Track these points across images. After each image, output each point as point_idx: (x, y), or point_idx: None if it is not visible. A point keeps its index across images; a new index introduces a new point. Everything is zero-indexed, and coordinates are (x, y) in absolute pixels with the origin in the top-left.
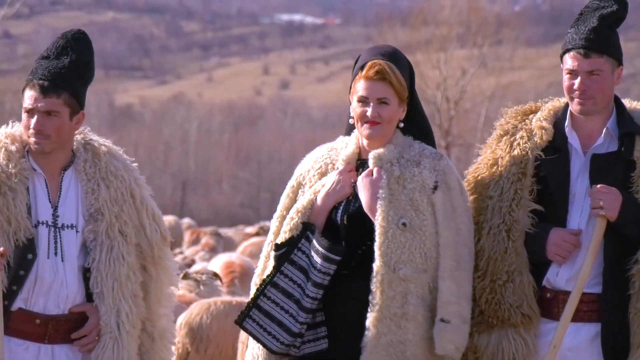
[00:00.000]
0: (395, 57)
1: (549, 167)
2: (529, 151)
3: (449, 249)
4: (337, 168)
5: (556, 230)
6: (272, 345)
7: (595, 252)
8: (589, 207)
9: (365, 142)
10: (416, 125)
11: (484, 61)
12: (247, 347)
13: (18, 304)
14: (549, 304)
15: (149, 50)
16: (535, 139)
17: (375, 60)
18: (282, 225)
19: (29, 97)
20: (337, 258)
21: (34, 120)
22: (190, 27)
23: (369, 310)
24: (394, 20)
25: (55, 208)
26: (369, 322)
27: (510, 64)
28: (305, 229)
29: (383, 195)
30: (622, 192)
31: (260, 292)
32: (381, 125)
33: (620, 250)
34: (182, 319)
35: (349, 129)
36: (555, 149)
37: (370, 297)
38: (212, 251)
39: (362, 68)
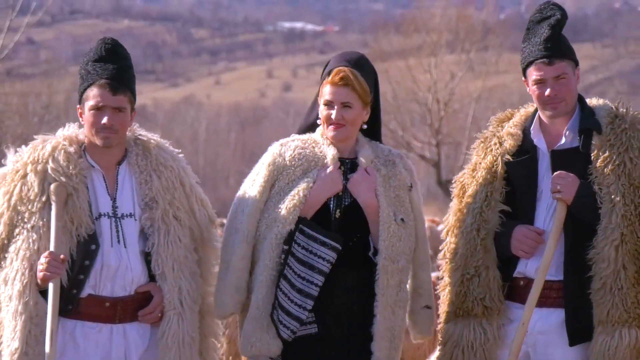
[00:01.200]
0: (360, 64)
1: (516, 169)
2: (499, 156)
3: (425, 242)
4: (324, 166)
5: (519, 228)
6: (285, 334)
7: (557, 236)
8: (555, 203)
9: (333, 141)
10: (372, 125)
11: (472, 65)
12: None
13: (87, 290)
14: (523, 292)
15: (162, 56)
16: (505, 145)
17: (340, 67)
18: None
19: (98, 95)
20: (339, 246)
21: (105, 116)
22: (199, 34)
23: (375, 299)
24: (388, 28)
25: (114, 200)
26: (377, 310)
27: (496, 68)
28: (299, 223)
29: (381, 192)
30: (580, 181)
31: (277, 287)
32: (345, 127)
33: (578, 238)
34: None
35: (306, 129)
36: (524, 152)
37: (375, 287)
38: None
39: (329, 74)
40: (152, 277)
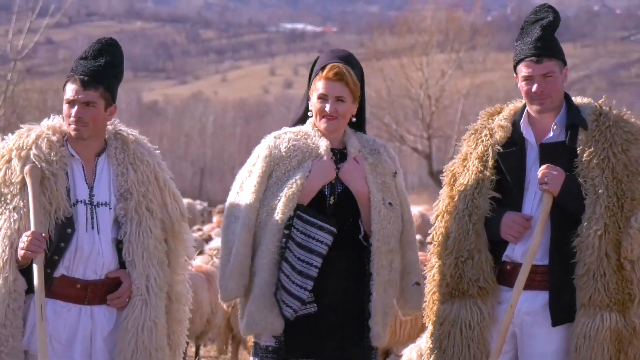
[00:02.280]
0: (350, 61)
1: (506, 159)
2: (490, 147)
3: (411, 223)
4: (318, 156)
5: (509, 214)
6: (287, 313)
7: (543, 224)
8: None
9: (323, 133)
10: (359, 120)
11: (460, 64)
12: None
13: (60, 271)
14: (509, 275)
15: (172, 55)
16: (496, 136)
17: (334, 64)
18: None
19: (70, 90)
20: (334, 229)
21: (74, 109)
22: (207, 34)
23: (371, 278)
24: (382, 29)
25: (91, 188)
26: (373, 288)
27: (483, 66)
28: (297, 209)
29: (370, 179)
30: (566, 173)
31: (279, 269)
32: (337, 119)
33: (563, 227)
34: None
35: (297, 122)
36: (513, 143)
37: (371, 266)
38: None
39: (322, 69)
40: (122, 264)
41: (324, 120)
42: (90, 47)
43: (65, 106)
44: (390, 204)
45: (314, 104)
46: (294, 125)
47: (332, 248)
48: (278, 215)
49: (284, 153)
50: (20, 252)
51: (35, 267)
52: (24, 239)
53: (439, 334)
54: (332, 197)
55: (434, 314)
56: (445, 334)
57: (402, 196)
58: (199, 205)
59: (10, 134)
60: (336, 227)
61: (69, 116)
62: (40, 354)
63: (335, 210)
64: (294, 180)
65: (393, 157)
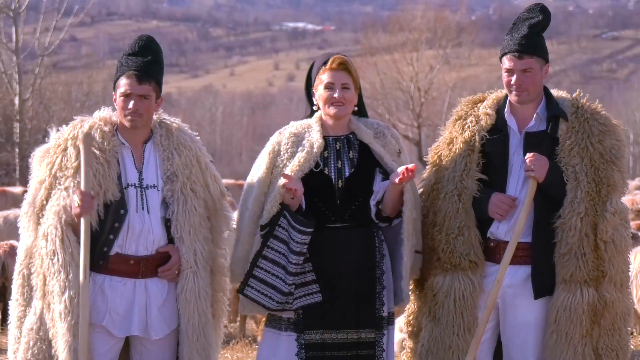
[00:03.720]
0: (347, 58)
1: (492, 144)
2: (477, 132)
3: (415, 199)
4: (309, 146)
5: (496, 194)
6: (269, 304)
7: (528, 208)
8: (524, 174)
9: (330, 121)
10: (360, 108)
11: (448, 59)
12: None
13: (115, 249)
14: (493, 251)
15: (184, 51)
16: (482, 123)
17: (336, 56)
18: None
19: (127, 84)
20: (310, 230)
21: (131, 102)
22: (216, 32)
23: (402, 244)
24: (376, 27)
25: (140, 173)
26: (404, 253)
27: (468, 61)
28: (282, 209)
29: (388, 159)
30: (549, 161)
31: (254, 264)
32: (345, 105)
33: (546, 209)
34: None
35: (308, 116)
36: (497, 130)
37: (402, 234)
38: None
39: (325, 64)
40: (170, 240)
41: (332, 107)
42: (134, 43)
43: (120, 99)
44: None
45: (320, 95)
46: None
47: (344, 227)
48: (267, 211)
49: (282, 148)
50: (75, 211)
51: (82, 225)
52: (75, 198)
53: (433, 304)
54: (340, 181)
55: (425, 286)
56: (440, 304)
57: None
58: None
59: (64, 125)
60: (313, 227)
61: (125, 108)
62: (82, 311)
63: (345, 192)
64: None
65: (396, 137)
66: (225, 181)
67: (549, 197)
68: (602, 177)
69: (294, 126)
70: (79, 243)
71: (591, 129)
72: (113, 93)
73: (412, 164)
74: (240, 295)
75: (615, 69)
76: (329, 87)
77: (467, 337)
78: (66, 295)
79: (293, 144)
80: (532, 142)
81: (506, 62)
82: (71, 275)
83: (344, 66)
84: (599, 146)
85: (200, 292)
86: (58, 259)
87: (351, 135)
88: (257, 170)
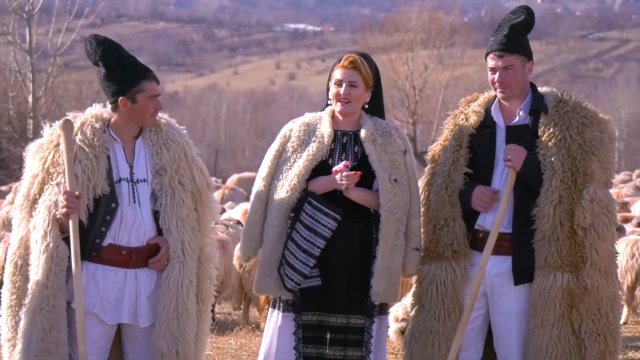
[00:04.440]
0: (365, 55)
1: (478, 139)
2: (465, 129)
3: (416, 195)
4: (320, 136)
5: (479, 187)
6: (289, 285)
7: (508, 196)
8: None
9: (340, 117)
10: (377, 107)
11: (441, 59)
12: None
13: (108, 240)
14: (481, 242)
15: (190, 51)
16: (470, 120)
17: (350, 54)
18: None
19: (153, 87)
20: (339, 217)
21: (157, 103)
22: (221, 33)
23: (378, 244)
24: (373, 28)
25: (131, 167)
26: (378, 252)
27: (461, 61)
28: (307, 196)
29: (376, 159)
30: (528, 152)
31: (285, 246)
32: (350, 103)
33: (525, 198)
34: None
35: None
36: (485, 127)
37: (379, 234)
38: (233, 193)
39: (339, 61)
40: (159, 232)
41: (339, 104)
42: (116, 49)
43: (148, 102)
44: (395, 180)
45: (331, 90)
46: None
47: (345, 218)
48: (282, 194)
49: (293, 135)
50: (62, 211)
51: (70, 223)
52: (61, 198)
53: (419, 291)
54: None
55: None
56: (424, 291)
57: (410, 172)
58: (214, 181)
59: (57, 121)
60: (341, 214)
61: (153, 109)
62: (77, 300)
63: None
64: (297, 165)
65: (404, 138)
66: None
67: (529, 187)
68: (579, 166)
69: (307, 117)
70: (63, 240)
71: (570, 121)
72: (122, 98)
73: (355, 172)
74: (256, 277)
75: (601, 68)
76: (338, 83)
77: (447, 322)
78: (31, 283)
79: (304, 132)
80: (514, 135)
81: (490, 61)
82: (41, 264)
83: (354, 65)
84: (578, 137)
85: (184, 281)
86: (40, 249)
87: (359, 131)
88: (269, 152)
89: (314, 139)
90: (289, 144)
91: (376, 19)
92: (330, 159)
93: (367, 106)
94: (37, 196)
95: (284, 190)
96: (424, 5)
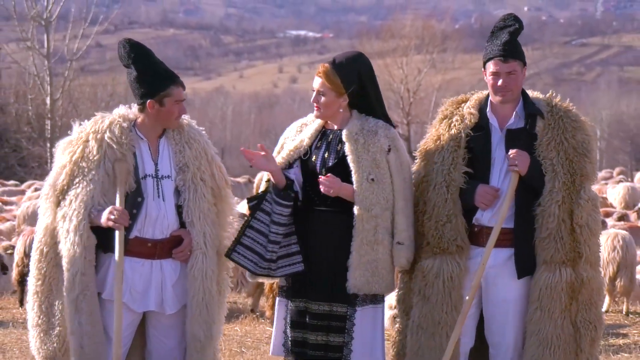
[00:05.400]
0: (341, 63)
1: (476, 141)
2: (462, 130)
3: (400, 193)
4: (305, 135)
5: (481, 186)
6: (253, 269)
7: (510, 198)
8: (505, 167)
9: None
10: (368, 106)
11: (434, 63)
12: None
13: (134, 233)
14: (477, 236)
15: (198, 56)
16: (466, 121)
17: (322, 64)
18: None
19: (179, 92)
20: (288, 203)
21: (182, 107)
22: (227, 39)
23: (352, 239)
24: (370, 34)
25: (156, 164)
26: (352, 247)
27: (453, 65)
28: (270, 185)
29: (354, 159)
30: (530, 156)
31: (242, 232)
32: (320, 110)
33: (526, 198)
34: None
35: None
36: (481, 127)
37: (353, 230)
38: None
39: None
40: (182, 225)
41: (315, 109)
42: (147, 55)
43: (174, 106)
44: (372, 179)
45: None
46: None
47: (328, 211)
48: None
49: (290, 133)
50: (109, 223)
51: (117, 233)
52: (114, 212)
53: (423, 285)
54: (324, 170)
55: (415, 268)
56: (430, 285)
57: (394, 170)
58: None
59: (86, 120)
60: (290, 200)
61: (178, 113)
62: (116, 305)
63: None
64: (280, 159)
65: (390, 137)
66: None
67: (529, 188)
68: (575, 168)
69: (306, 118)
70: (92, 231)
71: (565, 125)
72: (150, 101)
73: (326, 175)
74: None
75: (583, 72)
76: (313, 90)
77: (454, 314)
78: (71, 271)
79: (297, 132)
80: (512, 138)
81: (492, 67)
82: (77, 253)
83: (322, 74)
84: (572, 140)
85: (207, 271)
86: (74, 240)
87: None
88: (275, 149)
89: (301, 137)
90: (286, 141)
91: (373, 26)
92: (314, 156)
93: (341, 110)
94: (65, 187)
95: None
96: (417, 13)
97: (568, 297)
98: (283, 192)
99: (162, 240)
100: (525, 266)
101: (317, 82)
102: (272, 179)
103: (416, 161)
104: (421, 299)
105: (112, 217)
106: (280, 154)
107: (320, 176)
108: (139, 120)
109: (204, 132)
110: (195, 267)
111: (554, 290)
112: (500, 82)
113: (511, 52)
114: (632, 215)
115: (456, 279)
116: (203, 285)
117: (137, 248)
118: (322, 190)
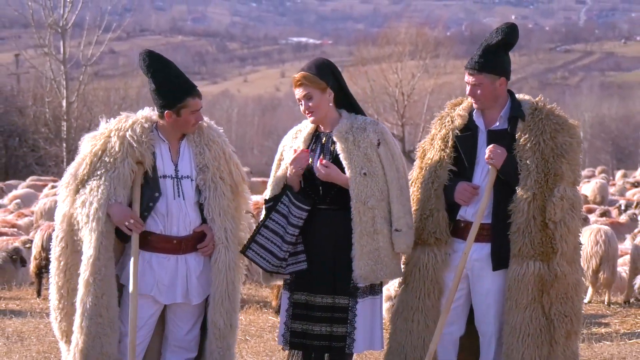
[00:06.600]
0: (310, 66)
1: (462, 141)
2: (450, 131)
3: (393, 182)
4: (298, 146)
5: (461, 183)
6: (266, 266)
7: (489, 191)
8: (488, 167)
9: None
10: (347, 101)
11: (427, 68)
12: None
13: (159, 228)
14: (463, 231)
15: (205, 62)
16: (455, 123)
17: (294, 76)
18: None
19: (196, 102)
20: (307, 207)
21: (196, 116)
22: (232, 46)
23: (352, 231)
24: (367, 41)
25: (176, 165)
26: (353, 239)
27: (444, 70)
28: (285, 188)
29: (346, 156)
30: (507, 153)
31: (257, 231)
32: (314, 112)
33: (503, 194)
34: None
35: None
36: (468, 129)
37: (352, 223)
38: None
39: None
40: (203, 220)
41: (308, 116)
42: (168, 65)
43: (191, 115)
44: (364, 173)
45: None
46: None
47: (328, 209)
48: (267, 193)
49: (287, 141)
50: (124, 228)
51: (133, 238)
52: (131, 220)
53: (405, 273)
54: (321, 156)
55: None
56: (409, 273)
57: (386, 162)
58: None
59: (112, 118)
60: (310, 205)
61: (194, 121)
62: (132, 300)
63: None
64: (282, 166)
65: (379, 132)
66: None
67: (507, 185)
68: (550, 168)
69: (300, 125)
70: (109, 223)
71: (544, 127)
72: (169, 111)
73: (302, 150)
74: (261, 270)
75: (567, 77)
76: (299, 101)
77: (425, 300)
78: (85, 255)
79: (293, 139)
80: (494, 138)
81: (465, 76)
82: (93, 238)
83: (299, 83)
84: (551, 142)
85: (230, 263)
86: (92, 227)
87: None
88: (274, 163)
89: (297, 143)
90: (284, 148)
91: (370, 33)
92: (310, 159)
93: (331, 104)
94: (86, 177)
95: (268, 189)
96: (412, 22)
97: (537, 289)
98: (302, 196)
99: (186, 237)
100: (500, 259)
101: (298, 91)
102: (289, 183)
103: (416, 158)
104: (403, 287)
105: (127, 224)
106: (282, 162)
107: (317, 162)
108: (160, 123)
109: (222, 132)
110: (219, 260)
111: (521, 282)
112: (468, 91)
113: (481, 65)
114: (614, 212)
115: (431, 269)
116: (227, 277)
117: (163, 245)
118: (316, 174)
